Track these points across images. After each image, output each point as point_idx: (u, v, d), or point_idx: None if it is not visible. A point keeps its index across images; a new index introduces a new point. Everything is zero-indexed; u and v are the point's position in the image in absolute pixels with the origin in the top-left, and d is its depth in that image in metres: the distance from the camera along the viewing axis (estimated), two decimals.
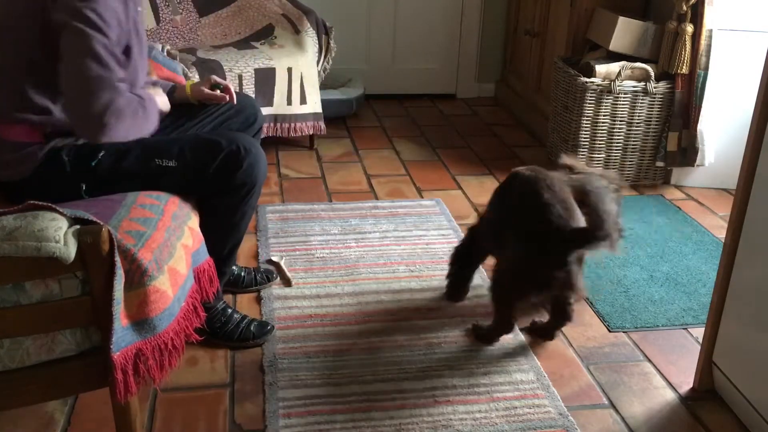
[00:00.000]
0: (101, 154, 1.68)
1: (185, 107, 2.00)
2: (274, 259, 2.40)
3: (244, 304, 2.18)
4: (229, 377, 1.87)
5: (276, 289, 2.26)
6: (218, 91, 2.01)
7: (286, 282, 2.29)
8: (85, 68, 1.49)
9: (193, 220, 1.71)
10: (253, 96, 3.13)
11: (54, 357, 1.40)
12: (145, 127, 1.66)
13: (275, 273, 2.31)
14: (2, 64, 1.60)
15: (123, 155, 1.70)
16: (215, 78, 2.04)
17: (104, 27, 1.51)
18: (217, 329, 1.96)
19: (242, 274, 2.25)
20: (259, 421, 1.72)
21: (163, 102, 1.87)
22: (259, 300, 2.20)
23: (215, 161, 1.73)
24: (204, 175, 1.74)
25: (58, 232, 1.29)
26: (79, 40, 1.49)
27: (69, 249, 1.29)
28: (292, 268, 2.37)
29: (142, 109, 1.62)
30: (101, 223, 1.37)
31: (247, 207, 1.85)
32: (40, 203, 1.37)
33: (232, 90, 2.03)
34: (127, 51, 1.63)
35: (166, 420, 1.72)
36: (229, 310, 2.00)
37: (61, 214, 1.35)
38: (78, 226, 1.35)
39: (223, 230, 1.87)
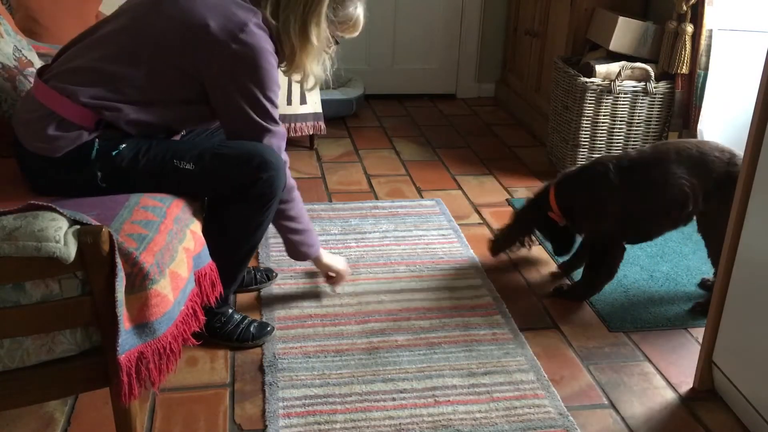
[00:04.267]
0: (122, 145, 1.69)
1: None
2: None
3: (244, 304, 2.18)
4: (229, 377, 1.87)
5: (276, 288, 2.26)
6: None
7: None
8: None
9: (196, 224, 1.70)
10: None
11: (54, 357, 1.40)
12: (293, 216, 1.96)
13: (271, 274, 2.31)
14: (108, 55, 1.67)
15: (143, 151, 1.71)
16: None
17: (273, 110, 1.74)
18: (216, 329, 1.96)
19: None
20: (259, 421, 1.72)
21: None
22: (259, 300, 2.20)
23: (234, 171, 1.73)
24: (222, 184, 1.75)
25: (58, 232, 1.29)
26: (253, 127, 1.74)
27: (69, 249, 1.29)
28: (292, 267, 2.37)
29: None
30: (100, 225, 1.37)
31: (263, 218, 1.83)
32: (40, 203, 1.37)
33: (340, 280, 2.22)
34: None
35: (166, 420, 1.72)
36: (230, 311, 2.00)
37: (61, 214, 1.35)
38: (78, 226, 1.35)
39: (238, 237, 1.84)
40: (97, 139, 1.67)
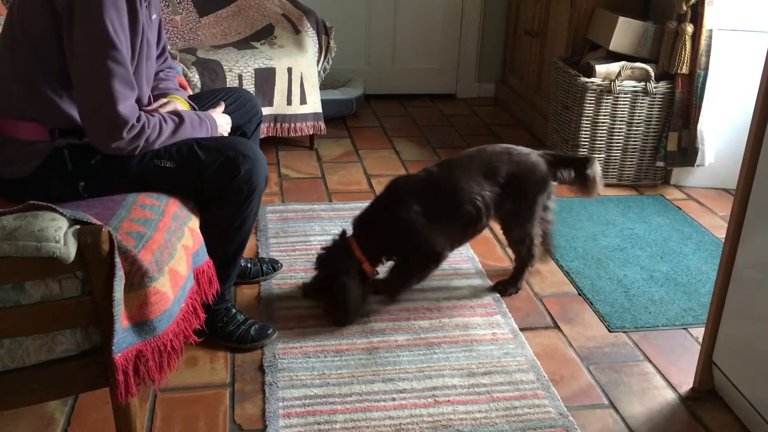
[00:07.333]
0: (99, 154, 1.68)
1: None
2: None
3: (244, 304, 2.18)
4: (229, 377, 1.87)
5: (276, 288, 2.26)
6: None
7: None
8: (105, 84, 1.53)
9: (194, 221, 1.71)
10: None
11: (54, 357, 1.40)
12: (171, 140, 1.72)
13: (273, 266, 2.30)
14: (15, 59, 1.60)
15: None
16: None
17: (117, 42, 1.53)
18: (217, 329, 1.96)
19: (249, 265, 2.27)
20: (259, 421, 1.72)
21: (224, 123, 1.91)
22: (259, 300, 2.21)
23: (212, 166, 1.72)
24: (201, 179, 1.73)
25: (58, 232, 1.29)
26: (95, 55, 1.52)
27: (69, 249, 1.29)
28: (292, 268, 2.37)
29: (169, 128, 1.69)
30: (101, 224, 1.37)
31: (246, 213, 1.83)
32: (40, 203, 1.37)
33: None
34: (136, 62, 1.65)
35: (166, 420, 1.72)
36: (234, 311, 2.00)
37: (61, 214, 1.35)
38: (78, 226, 1.35)
39: (224, 235, 1.85)
40: (65, 149, 1.64)
